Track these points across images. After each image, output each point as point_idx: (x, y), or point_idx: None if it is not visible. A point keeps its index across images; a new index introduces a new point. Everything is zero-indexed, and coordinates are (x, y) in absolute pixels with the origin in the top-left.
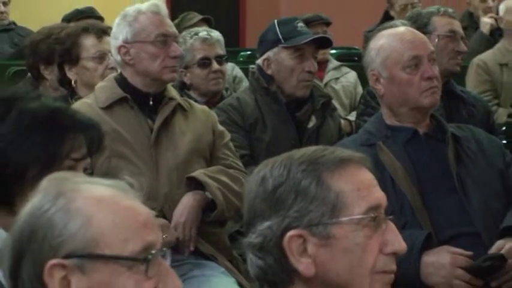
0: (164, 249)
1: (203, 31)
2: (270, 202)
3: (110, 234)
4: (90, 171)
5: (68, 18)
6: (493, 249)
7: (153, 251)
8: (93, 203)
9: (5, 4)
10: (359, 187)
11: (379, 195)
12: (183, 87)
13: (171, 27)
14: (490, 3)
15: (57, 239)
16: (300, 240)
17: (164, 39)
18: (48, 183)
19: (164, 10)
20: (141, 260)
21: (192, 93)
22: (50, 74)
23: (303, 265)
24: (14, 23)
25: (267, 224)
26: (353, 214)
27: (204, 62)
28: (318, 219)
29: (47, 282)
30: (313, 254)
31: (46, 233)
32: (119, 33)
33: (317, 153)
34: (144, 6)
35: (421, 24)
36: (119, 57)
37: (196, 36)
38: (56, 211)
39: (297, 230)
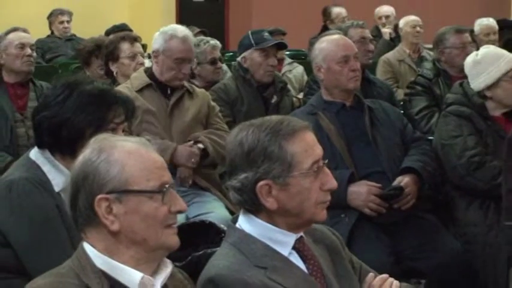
0: (173, 183)
1: (212, 40)
2: (246, 161)
3: (138, 176)
4: (129, 131)
5: (109, 31)
6: (395, 183)
7: (167, 186)
8: (125, 155)
9: (68, 22)
10: (306, 149)
11: (319, 152)
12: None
13: (190, 52)
14: (395, 19)
15: (102, 181)
16: (267, 187)
17: (181, 61)
18: (94, 142)
19: (191, 39)
20: (159, 192)
21: (195, 81)
22: (89, 71)
23: (269, 203)
24: (74, 35)
25: (244, 175)
26: (302, 169)
27: (213, 61)
28: (279, 174)
29: (96, 210)
30: (276, 195)
31: (94, 177)
32: (156, 42)
33: (277, 125)
34: (179, 31)
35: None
36: (154, 60)
37: (208, 43)
38: (100, 162)
39: (265, 180)
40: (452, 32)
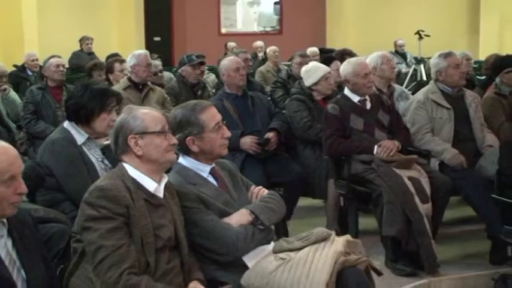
0: (169, 128)
1: (157, 61)
2: (179, 126)
3: (150, 124)
4: (118, 112)
5: (108, 56)
6: (265, 136)
7: (166, 129)
8: (143, 113)
9: (91, 43)
10: (210, 117)
11: (218, 117)
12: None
13: (150, 60)
14: (264, 48)
15: (131, 127)
16: (191, 140)
17: (148, 65)
18: (126, 109)
19: (148, 54)
20: (162, 132)
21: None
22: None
23: (194, 147)
24: (93, 52)
25: (180, 134)
26: (210, 128)
27: (155, 73)
28: (197, 132)
29: (129, 144)
30: (197, 144)
31: (128, 126)
32: (131, 60)
33: (194, 105)
34: (142, 52)
35: None
36: (130, 70)
37: (156, 63)
38: (130, 118)
39: (190, 137)
40: (297, 55)
